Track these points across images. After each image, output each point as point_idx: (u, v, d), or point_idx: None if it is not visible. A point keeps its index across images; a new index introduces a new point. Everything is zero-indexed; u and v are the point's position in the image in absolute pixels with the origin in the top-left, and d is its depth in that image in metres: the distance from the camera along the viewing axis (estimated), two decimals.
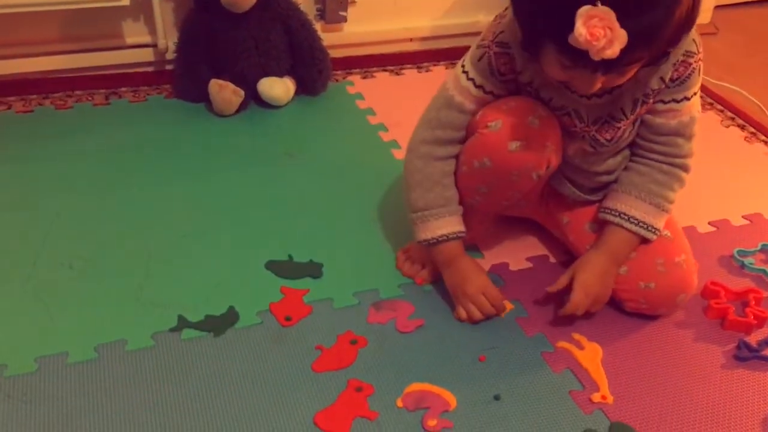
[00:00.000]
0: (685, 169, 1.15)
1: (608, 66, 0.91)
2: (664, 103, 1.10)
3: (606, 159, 1.18)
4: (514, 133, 1.07)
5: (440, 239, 1.16)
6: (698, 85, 1.10)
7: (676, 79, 1.07)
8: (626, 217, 1.15)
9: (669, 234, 1.18)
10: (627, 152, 1.19)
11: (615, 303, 1.20)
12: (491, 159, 1.09)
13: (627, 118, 1.10)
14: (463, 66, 1.13)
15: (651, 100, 1.10)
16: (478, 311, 1.16)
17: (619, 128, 1.11)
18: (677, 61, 1.05)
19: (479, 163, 1.10)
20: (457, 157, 1.16)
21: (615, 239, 1.16)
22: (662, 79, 1.07)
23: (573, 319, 1.18)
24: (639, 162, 1.16)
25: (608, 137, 1.12)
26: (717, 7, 2.35)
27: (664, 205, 1.15)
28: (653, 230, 1.15)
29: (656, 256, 1.16)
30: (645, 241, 1.16)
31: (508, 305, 1.21)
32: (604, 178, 1.21)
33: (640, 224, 1.14)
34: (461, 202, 1.18)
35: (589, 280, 1.14)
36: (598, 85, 0.97)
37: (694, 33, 1.03)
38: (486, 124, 1.09)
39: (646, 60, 0.96)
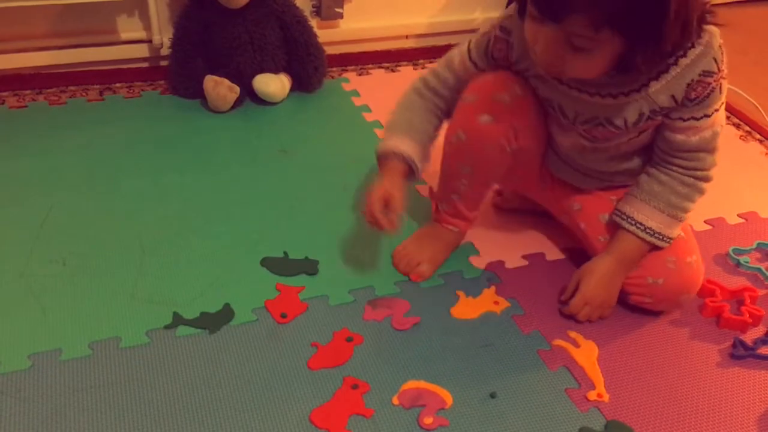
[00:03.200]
0: (707, 180, 1.13)
1: (570, 29, 0.92)
2: (684, 120, 1.07)
3: (609, 160, 1.18)
4: (484, 106, 1.13)
5: (388, 154, 1.18)
6: (720, 102, 1.06)
7: (695, 98, 1.04)
8: (642, 227, 1.14)
9: (683, 234, 1.18)
10: (639, 159, 1.18)
11: (621, 295, 1.20)
12: (464, 131, 1.15)
13: (627, 129, 1.09)
14: (472, 40, 1.19)
15: (660, 117, 1.07)
16: (367, 213, 1.17)
17: (614, 133, 1.10)
18: (692, 81, 1.02)
19: (455, 137, 1.17)
20: (439, 117, 1.23)
21: (627, 246, 1.16)
22: (674, 98, 1.04)
23: (577, 321, 1.19)
24: (661, 171, 1.13)
25: (600, 137, 1.12)
26: (712, 5, 2.35)
27: (682, 216, 1.14)
28: (667, 240, 1.14)
29: (668, 254, 1.15)
30: (656, 248, 1.16)
31: (504, 302, 1.21)
32: (618, 179, 1.22)
33: (656, 235, 1.14)
34: (450, 191, 1.22)
35: (594, 289, 1.16)
36: (561, 62, 0.97)
37: (715, 51, 1.01)
38: (464, 97, 1.15)
39: (620, 47, 0.93)
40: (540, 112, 1.16)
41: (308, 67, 1.79)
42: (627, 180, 1.21)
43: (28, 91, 1.76)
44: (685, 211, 1.14)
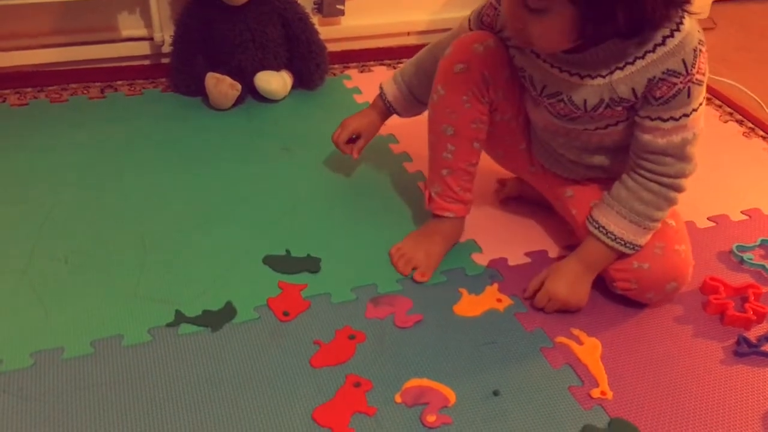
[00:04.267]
0: (675, 188, 1.12)
1: None
2: (651, 119, 1.07)
3: (581, 151, 1.20)
4: (459, 56, 1.18)
5: (381, 93, 1.41)
6: (689, 107, 1.05)
7: (660, 97, 1.04)
8: (604, 231, 1.14)
9: (674, 223, 1.18)
10: (612, 158, 1.19)
11: (605, 283, 1.21)
12: (442, 85, 1.21)
13: (586, 111, 1.10)
14: (476, 8, 1.26)
15: (620, 108, 1.08)
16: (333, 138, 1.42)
17: (574, 112, 1.12)
18: (654, 77, 1.03)
19: (436, 93, 1.22)
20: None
21: (592, 250, 1.17)
22: (634, 91, 1.05)
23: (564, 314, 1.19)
24: (630, 175, 1.13)
25: (563, 113, 1.14)
26: (715, 1, 2.35)
27: (647, 224, 1.13)
28: (632, 246, 1.14)
29: (656, 240, 1.15)
30: (623, 255, 1.15)
31: (506, 299, 1.21)
32: (590, 172, 1.23)
33: (618, 240, 1.13)
34: (439, 166, 1.26)
35: (557, 288, 1.17)
36: (522, 24, 1.01)
37: (686, 54, 1.01)
38: (445, 52, 1.21)
39: (572, 14, 0.96)
40: (514, 76, 1.20)
41: (310, 64, 1.79)
42: (607, 175, 1.22)
43: (29, 89, 1.76)
44: (650, 219, 1.13)
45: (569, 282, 1.17)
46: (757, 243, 1.38)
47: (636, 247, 1.14)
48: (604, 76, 1.06)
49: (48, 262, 1.23)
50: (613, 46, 1.04)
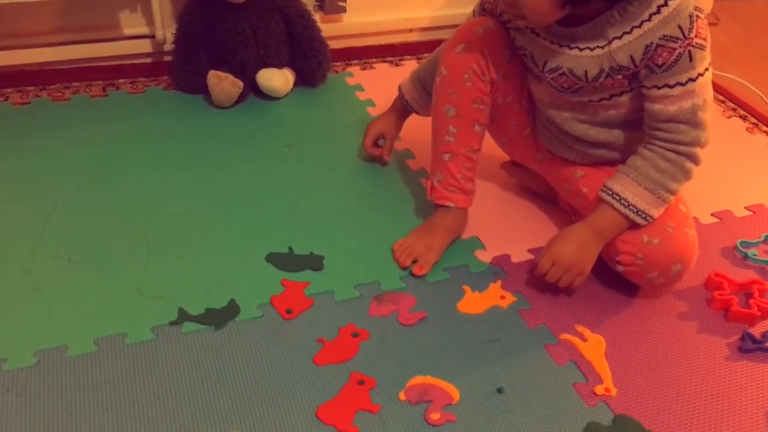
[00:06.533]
0: (691, 158, 1.11)
1: None
2: (658, 88, 1.09)
3: (588, 126, 1.20)
4: (460, 38, 1.23)
5: (399, 93, 1.47)
6: (694, 71, 1.06)
7: (662, 64, 1.06)
8: (618, 198, 1.14)
9: (684, 209, 1.18)
10: (621, 134, 1.20)
11: (608, 276, 1.21)
12: (444, 65, 1.24)
13: (587, 81, 1.12)
14: None
15: (620, 77, 1.10)
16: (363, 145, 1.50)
17: (576, 84, 1.13)
18: (651, 43, 1.05)
19: (440, 76, 1.25)
20: None
21: (603, 217, 1.16)
22: (632, 58, 1.07)
23: (549, 284, 1.18)
24: (646, 147, 1.14)
25: (565, 85, 1.15)
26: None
27: (662, 194, 1.12)
28: (644, 216, 1.13)
29: (669, 220, 1.15)
30: (636, 225, 1.14)
31: (510, 296, 1.21)
32: (595, 152, 1.24)
33: (630, 207, 1.13)
34: (441, 151, 1.28)
35: (562, 249, 1.16)
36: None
37: (682, 19, 1.03)
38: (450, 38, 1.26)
39: None
40: (514, 56, 1.23)
41: (312, 61, 1.78)
42: (613, 156, 1.22)
43: (31, 88, 1.76)
44: (666, 189, 1.12)
45: (575, 245, 1.15)
46: (761, 239, 1.37)
47: (648, 218, 1.13)
48: (602, 47, 1.09)
49: (51, 261, 1.23)
50: (610, 17, 1.06)
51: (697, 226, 1.38)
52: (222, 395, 1.02)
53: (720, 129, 1.77)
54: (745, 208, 1.47)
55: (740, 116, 1.82)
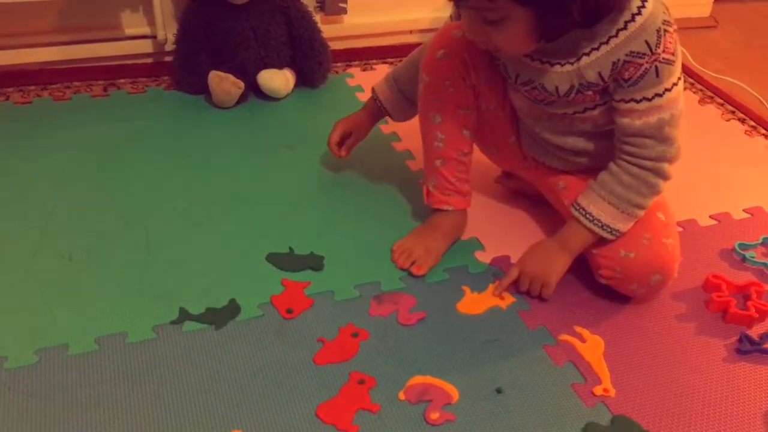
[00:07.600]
0: (657, 173, 1.11)
1: (474, 4, 1.00)
2: (625, 102, 1.08)
3: (564, 135, 1.20)
4: (440, 42, 1.22)
5: (372, 94, 1.43)
6: (661, 86, 1.05)
7: (629, 79, 1.05)
8: (584, 213, 1.15)
9: (663, 217, 1.18)
10: (597, 144, 1.20)
11: (590, 271, 1.22)
12: (426, 72, 1.23)
13: (559, 96, 1.12)
14: None
15: (590, 93, 1.10)
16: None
17: (549, 97, 1.13)
18: (618, 60, 1.04)
19: (422, 82, 1.24)
20: None
21: (570, 231, 1.19)
22: (601, 75, 1.06)
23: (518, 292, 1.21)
24: (615, 162, 1.14)
25: (539, 98, 1.15)
26: (717, 0, 2.34)
27: (627, 209, 1.13)
28: (609, 230, 1.14)
29: (644, 231, 1.15)
30: (603, 239, 1.16)
31: (509, 297, 1.21)
32: (577, 159, 1.24)
33: (595, 222, 1.14)
34: (433, 157, 1.27)
35: (528, 261, 1.21)
36: (486, 37, 1.03)
37: (649, 34, 1.02)
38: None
39: (528, 17, 0.98)
40: (494, 61, 1.20)
41: (312, 62, 1.79)
42: (595, 164, 1.22)
43: (32, 87, 1.76)
44: (631, 203, 1.12)
45: (540, 258, 1.20)
46: (759, 241, 1.38)
47: (614, 232, 1.14)
48: (572, 63, 1.08)
49: (52, 260, 1.24)
50: (579, 33, 1.05)
51: (695, 228, 1.39)
52: (222, 394, 1.02)
53: (718, 131, 1.78)
54: (743, 210, 1.48)
55: (739, 119, 1.83)
